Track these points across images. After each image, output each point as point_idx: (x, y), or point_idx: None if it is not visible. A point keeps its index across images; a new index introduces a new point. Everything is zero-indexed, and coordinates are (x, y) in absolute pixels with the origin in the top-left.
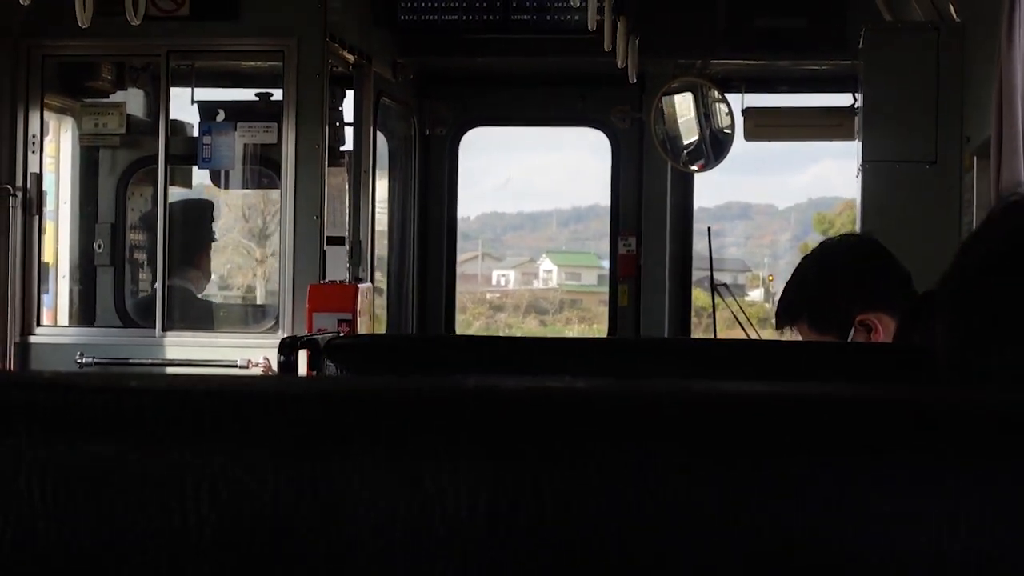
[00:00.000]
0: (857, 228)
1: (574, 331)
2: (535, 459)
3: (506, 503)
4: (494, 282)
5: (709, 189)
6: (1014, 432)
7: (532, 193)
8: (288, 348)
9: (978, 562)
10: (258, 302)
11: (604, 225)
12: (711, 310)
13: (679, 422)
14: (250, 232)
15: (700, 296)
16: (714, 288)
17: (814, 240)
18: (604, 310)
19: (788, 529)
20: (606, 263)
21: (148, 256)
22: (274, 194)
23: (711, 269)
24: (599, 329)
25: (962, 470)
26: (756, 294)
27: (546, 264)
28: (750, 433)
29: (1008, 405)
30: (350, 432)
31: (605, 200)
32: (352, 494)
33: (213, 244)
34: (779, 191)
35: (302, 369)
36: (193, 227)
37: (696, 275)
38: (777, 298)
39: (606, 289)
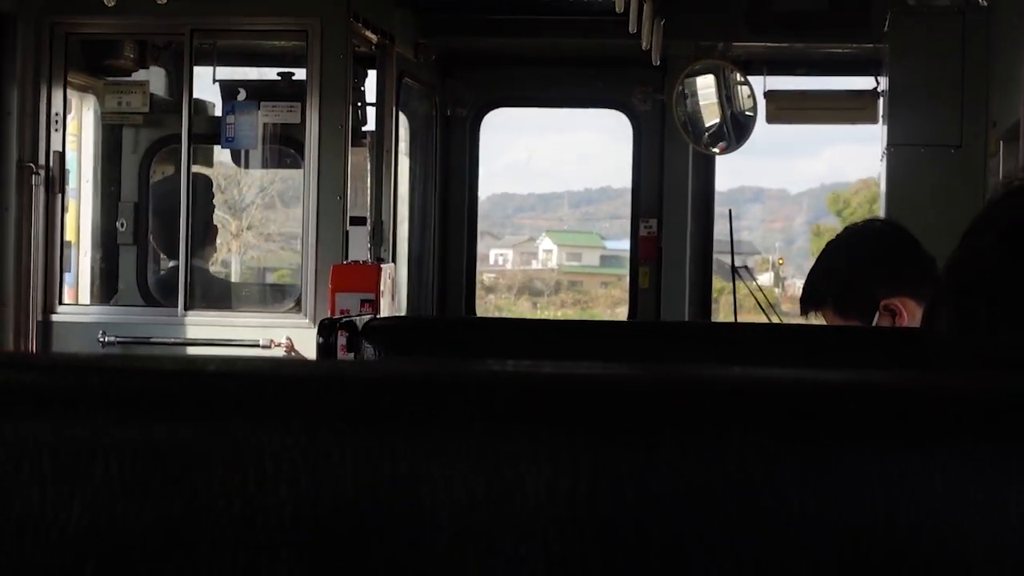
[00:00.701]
0: (881, 212)
1: (568, 317)
2: (614, 442)
3: (585, 486)
4: (491, 261)
5: (722, 173)
6: None
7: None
8: (327, 330)
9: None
10: (233, 279)
11: (614, 207)
12: (731, 293)
13: (757, 408)
14: (225, 204)
15: (716, 280)
16: (735, 271)
17: (827, 223)
18: (604, 292)
19: (862, 514)
20: (610, 244)
21: (159, 235)
22: (256, 173)
23: (732, 252)
24: (595, 315)
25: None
26: (765, 278)
27: (546, 243)
28: (824, 419)
29: None
30: (427, 416)
31: (617, 182)
32: (430, 477)
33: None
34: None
35: (338, 350)
36: (200, 203)
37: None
38: (787, 282)
39: (608, 271)
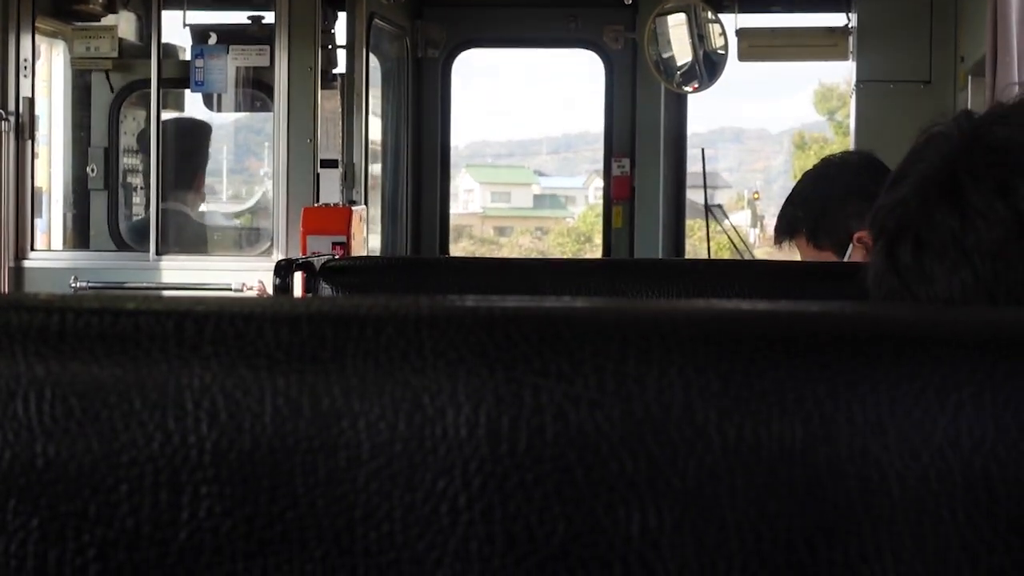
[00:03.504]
0: (851, 147)
1: None
2: (534, 377)
3: (507, 420)
4: None
5: (702, 113)
6: (999, 350)
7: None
8: (284, 270)
9: (952, 477)
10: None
11: (594, 152)
12: (705, 232)
13: (676, 339)
14: None
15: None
16: (708, 209)
17: (814, 133)
18: (537, 245)
19: (782, 442)
20: (547, 180)
21: (142, 180)
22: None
23: (704, 190)
24: None
25: (956, 388)
26: (741, 216)
27: (466, 181)
28: (746, 348)
29: (993, 323)
30: (347, 351)
31: (595, 127)
32: (350, 413)
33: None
34: (774, 116)
35: (297, 291)
36: (189, 149)
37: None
38: (764, 221)
39: (544, 213)
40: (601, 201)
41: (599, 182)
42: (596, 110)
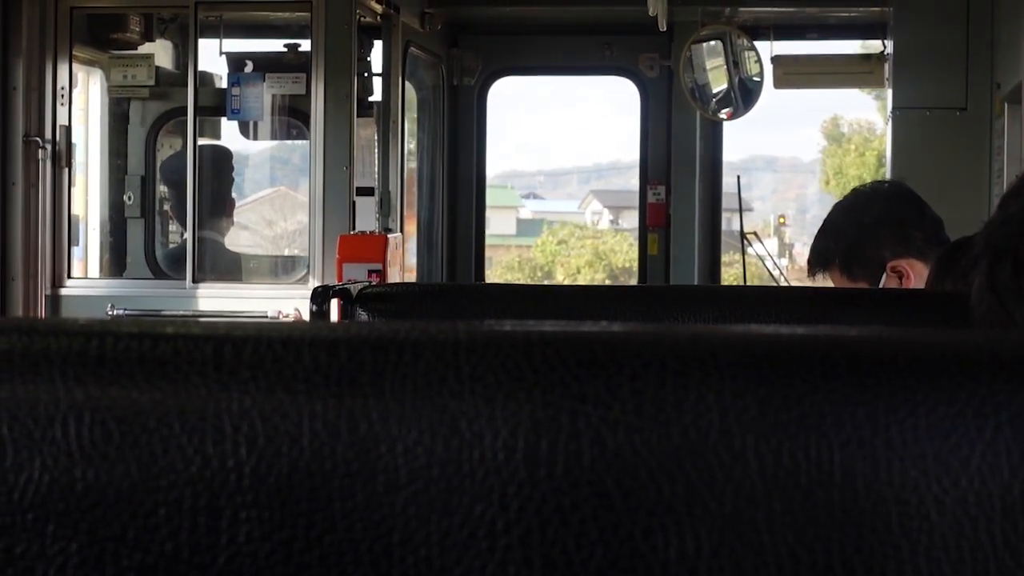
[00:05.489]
0: (887, 175)
1: None
2: (572, 401)
3: (545, 445)
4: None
5: (734, 142)
6: None
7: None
8: (320, 297)
9: (991, 502)
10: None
11: (625, 181)
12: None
13: (714, 363)
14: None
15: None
16: (744, 237)
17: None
18: (520, 276)
19: (820, 467)
20: (538, 204)
21: (171, 208)
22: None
23: (740, 217)
24: None
25: (994, 413)
26: (768, 245)
27: None
28: (788, 375)
29: None
30: (385, 376)
31: (627, 156)
32: (388, 437)
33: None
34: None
35: (334, 318)
36: (216, 176)
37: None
38: (795, 250)
39: (529, 240)
40: (595, 225)
41: (596, 205)
42: (626, 138)
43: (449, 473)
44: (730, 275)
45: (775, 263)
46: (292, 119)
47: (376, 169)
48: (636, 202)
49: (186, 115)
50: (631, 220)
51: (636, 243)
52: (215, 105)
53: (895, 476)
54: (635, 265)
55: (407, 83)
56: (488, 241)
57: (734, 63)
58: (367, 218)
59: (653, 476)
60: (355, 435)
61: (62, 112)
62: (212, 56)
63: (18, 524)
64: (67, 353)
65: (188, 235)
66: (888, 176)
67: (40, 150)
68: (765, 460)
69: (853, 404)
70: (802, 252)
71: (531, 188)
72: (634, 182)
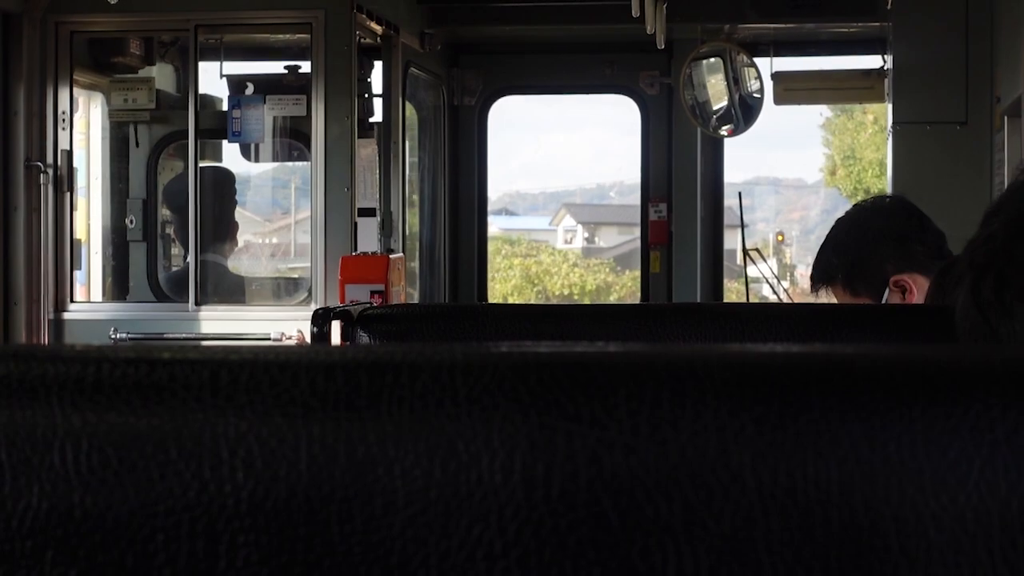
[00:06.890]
0: (888, 190)
1: None
2: (568, 422)
3: (541, 466)
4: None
5: (738, 163)
6: None
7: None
8: (321, 319)
9: (989, 519)
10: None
11: (627, 202)
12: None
13: (710, 382)
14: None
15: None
16: (746, 253)
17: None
18: None
19: (817, 484)
20: (508, 221)
21: (174, 231)
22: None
23: (742, 234)
24: None
25: (990, 428)
26: (767, 268)
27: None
28: (784, 393)
29: None
30: (382, 399)
31: (630, 178)
32: (386, 460)
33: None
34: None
35: (335, 340)
36: (218, 198)
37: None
38: (797, 271)
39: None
40: (564, 245)
41: (569, 221)
42: (627, 161)
43: (447, 495)
44: (732, 290)
45: (772, 287)
46: (293, 141)
47: (377, 190)
48: (614, 217)
49: (187, 138)
50: (608, 238)
51: (600, 263)
52: (216, 128)
53: (893, 493)
54: (575, 291)
55: (407, 103)
56: None
57: (734, 80)
58: (369, 239)
59: (650, 496)
60: (352, 458)
61: (63, 136)
62: (213, 79)
63: (17, 551)
64: (64, 379)
65: (191, 258)
66: (889, 190)
67: (42, 174)
68: (762, 478)
69: (850, 422)
70: (805, 274)
71: (504, 204)
72: (615, 196)
